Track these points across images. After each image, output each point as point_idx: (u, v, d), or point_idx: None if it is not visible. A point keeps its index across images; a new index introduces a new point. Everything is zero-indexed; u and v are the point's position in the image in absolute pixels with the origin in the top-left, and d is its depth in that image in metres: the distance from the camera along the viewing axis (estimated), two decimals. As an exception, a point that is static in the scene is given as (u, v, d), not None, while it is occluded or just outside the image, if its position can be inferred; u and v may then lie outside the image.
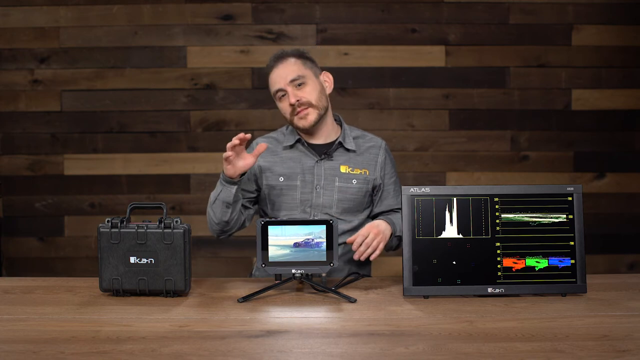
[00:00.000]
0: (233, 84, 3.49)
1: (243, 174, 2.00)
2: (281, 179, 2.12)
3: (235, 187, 1.98)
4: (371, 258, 1.93)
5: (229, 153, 1.90)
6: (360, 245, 1.91)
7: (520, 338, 1.41)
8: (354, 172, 2.13)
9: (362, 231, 1.93)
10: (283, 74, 2.08)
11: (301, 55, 2.13)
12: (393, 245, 2.08)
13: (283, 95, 2.10)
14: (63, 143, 3.49)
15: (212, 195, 2.05)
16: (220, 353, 1.34)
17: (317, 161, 2.13)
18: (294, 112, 2.08)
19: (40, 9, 3.45)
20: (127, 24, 3.46)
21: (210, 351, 1.35)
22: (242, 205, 2.13)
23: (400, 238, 2.03)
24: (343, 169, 2.13)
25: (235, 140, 1.88)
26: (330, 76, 2.19)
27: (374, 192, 2.18)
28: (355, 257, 1.92)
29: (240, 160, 1.94)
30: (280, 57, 2.11)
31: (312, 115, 2.08)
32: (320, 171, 2.12)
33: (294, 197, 2.11)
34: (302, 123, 2.09)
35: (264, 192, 2.15)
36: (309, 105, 2.08)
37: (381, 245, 1.94)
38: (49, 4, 3.45)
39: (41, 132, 3.49)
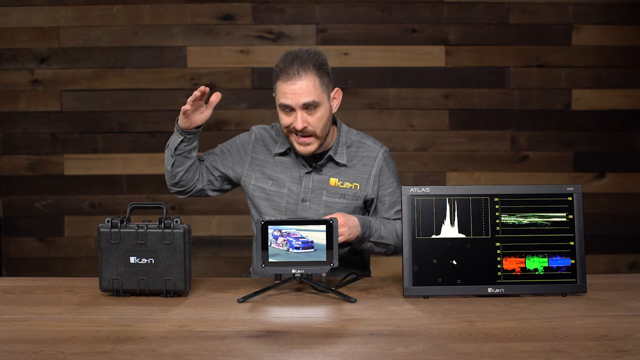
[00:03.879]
0: (233, 84, 3.49)
1: (199, 127, 1.99)
2: (270, 182, 2.06)
3: (182, 137, 1.98)
4: None
5: (188, 107, 1.90)
6: None
7: (520, 338, 1.41)
8: (344, 187, 2.04)
9: (334, 215, 1.83)
10: (298, 92, 1.90)
11: (321, 69, 1.93)
12: (374, 250, 2.00)
13: (289, 110, 1.93)
14: (63, 143, 3.49)
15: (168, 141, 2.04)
16: (220, 353, 1.34)
17: (305, 173, 2.04)
18: (294, 132, 1.95)
19: (40, 9, 3.45)
20: (127, 24, 3.46)
21: (210, 351, 1.35)
22: (212, 175, 2.11)
23: (378, 244, 1.98)
24: (332, 182, 2.04)
25: (197, 93, 1.87)
26: (341, 94, 2.04)
27: (366, 205, 2.09)
28: None
29: (197, 113, 1.96)
30: (299, 68, 1.90)
31: (312, 146, 1.97)
32: (308, 183, 2.04)
33: (279, 204, 2.05)
34: (300, 149, 1.98)
35: (251, 192, 2.09)
36: (313, 135, 1.95)
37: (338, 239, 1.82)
38: (49, 4, 3.45)
39: (41, 132, 3.49)
